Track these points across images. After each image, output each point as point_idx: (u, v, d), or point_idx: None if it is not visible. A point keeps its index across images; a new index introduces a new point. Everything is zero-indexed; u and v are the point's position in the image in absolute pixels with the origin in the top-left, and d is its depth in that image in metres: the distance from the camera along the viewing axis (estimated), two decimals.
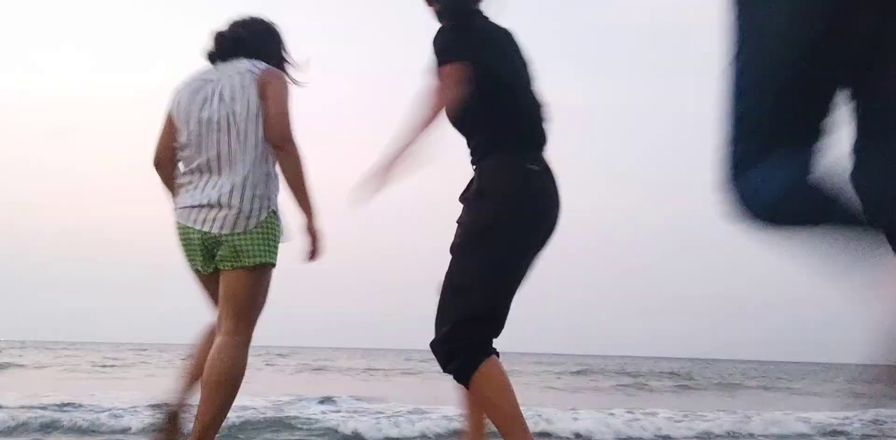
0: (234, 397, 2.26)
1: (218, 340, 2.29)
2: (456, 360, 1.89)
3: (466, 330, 1.90)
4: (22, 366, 17.06)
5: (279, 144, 2.32)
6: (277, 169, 2.39)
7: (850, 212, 1.20)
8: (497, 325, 1.94)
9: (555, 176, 2.02)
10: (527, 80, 2.10)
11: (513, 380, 1.92)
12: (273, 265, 2.37)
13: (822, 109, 1.24)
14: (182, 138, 2.38)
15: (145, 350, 34.92)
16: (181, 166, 2.43)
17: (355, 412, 6.42)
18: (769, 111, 1.24)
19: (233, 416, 4.76)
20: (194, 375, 2.38)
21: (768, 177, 1.26)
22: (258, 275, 2.34)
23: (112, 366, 17.72)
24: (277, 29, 2.57)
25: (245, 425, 5.31)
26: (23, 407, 5.80)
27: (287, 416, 5.79)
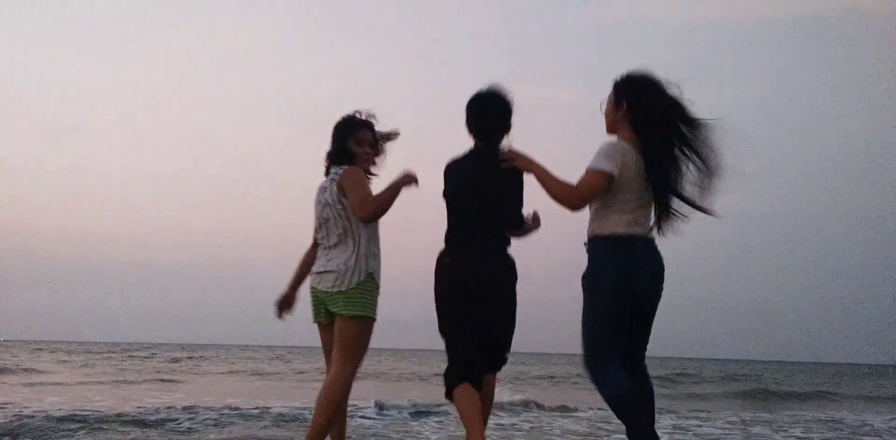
0: (334, 412, 3.09)
1: (330, 373, 3.16)
2: (445, 387, 3.05)
3: (446, 369, 3.07)
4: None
5: (369, 221, 3.19)
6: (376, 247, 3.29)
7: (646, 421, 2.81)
8: (462, 364, 3.01)
9: (476, 258, 3.07)
10: (473, 199, 3.10)
11: None
12: (372, 318, 3.18)
13: (619, 339, 2.83)
14: (316, 226, 3.35)
15: (151, 349, 34.73)
16: (318, 245, 3.38)
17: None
18: (597, 340, 2.82)
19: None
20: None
21: (607, 380, 2.76)
22: (360, 324, 3.16)
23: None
24: (356, 120, 3.30)
25: None
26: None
27: None
